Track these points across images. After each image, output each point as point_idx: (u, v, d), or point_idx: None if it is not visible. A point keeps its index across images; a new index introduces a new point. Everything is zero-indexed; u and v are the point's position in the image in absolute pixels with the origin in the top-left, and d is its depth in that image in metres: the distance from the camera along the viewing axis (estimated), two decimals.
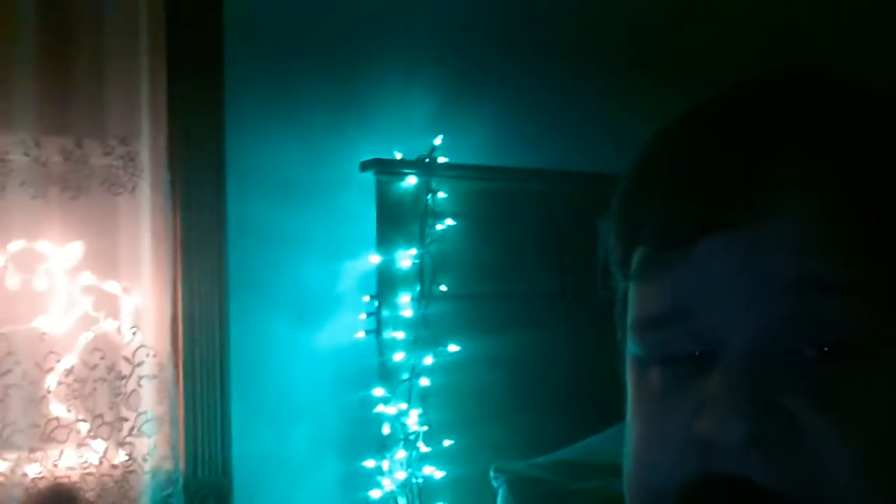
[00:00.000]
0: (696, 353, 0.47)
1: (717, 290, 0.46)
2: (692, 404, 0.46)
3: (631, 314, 0.51)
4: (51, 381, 1.96)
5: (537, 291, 2.26)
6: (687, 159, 0.49)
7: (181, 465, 2.05)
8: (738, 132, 0.48)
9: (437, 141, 2.17)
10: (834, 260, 0.45)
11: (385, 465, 2.07)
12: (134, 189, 2.05)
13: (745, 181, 0.46)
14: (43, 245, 2.01)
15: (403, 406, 2.09)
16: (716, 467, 0.45)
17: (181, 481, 2.03)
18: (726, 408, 0.45)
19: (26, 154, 1.97)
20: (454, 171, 2.18)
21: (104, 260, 2.06)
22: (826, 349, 0.45)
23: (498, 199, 2.27)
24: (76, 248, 2.04)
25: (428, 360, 2.11)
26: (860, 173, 0.46)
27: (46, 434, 1.93)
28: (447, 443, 2.13)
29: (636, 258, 0.50)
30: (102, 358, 1.99)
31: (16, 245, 1.98)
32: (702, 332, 0.47)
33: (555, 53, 2.47)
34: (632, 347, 0.51)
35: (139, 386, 2.01)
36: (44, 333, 1.97)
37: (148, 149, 2.06)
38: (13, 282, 1.98)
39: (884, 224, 0.46)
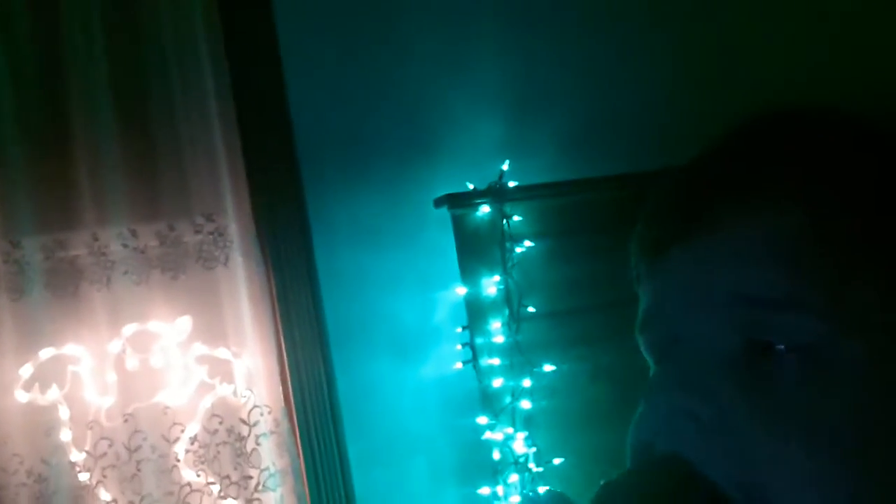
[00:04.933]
0: (661, 350, 0.57)
1: (676, 295, 0.56)
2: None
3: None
4: (178, 450, 2.11)
5: (626, 298, 2.25)
6: (674, 195, 0.60)
7: None
8: (714, 173, 0.57)
9: (505, 166, 2.20)
10: (773, 277, 0.51)
11: (500, 489, 2.12)
12: (227, 261, 2.18)
13: (709, 208, 0.55)
14: (154, 324, 2.16)
15: (509, 430, 2.13)
16: (658, 445, 0.53)
17: None
18: (651, 387, 0.55)
19: (125, 245, 2.13)
20: (526, 193, 2.20)
21: (212, 329, 2.19)
22: (767, 348, 0.51)
23: (574, 212, 2.27)
24: (185, 323, 2.18)
25: (526, 383, 2.14)
26: (810, 201, 0.52)
27: (181, 500, 2.08)
28: (557, 461, 2.15)
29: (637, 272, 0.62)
30: (221, 422, 2.13)
31: (129, 329, 2.14)
32: (667, 332, 0.56)
33: (617, 45, 2.45)
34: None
35: (258, 444, 2.13)
36: (166, 407, 2.12)
37: (234, 221, 2.18)
38: (132, 363, 2.14)
39: (830, 242, 0.51)
